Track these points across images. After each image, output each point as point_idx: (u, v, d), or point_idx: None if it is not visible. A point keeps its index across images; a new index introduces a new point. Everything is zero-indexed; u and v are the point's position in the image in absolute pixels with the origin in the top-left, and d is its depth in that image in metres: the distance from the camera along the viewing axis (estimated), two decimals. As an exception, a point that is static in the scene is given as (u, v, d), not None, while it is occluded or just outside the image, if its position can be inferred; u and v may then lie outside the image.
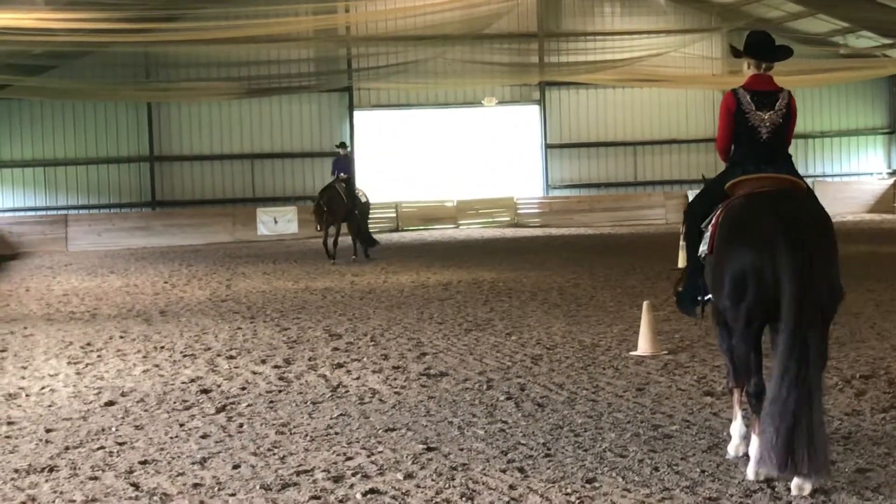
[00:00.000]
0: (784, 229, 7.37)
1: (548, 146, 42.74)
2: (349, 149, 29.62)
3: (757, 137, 8.16)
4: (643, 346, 12.84)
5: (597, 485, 7.57)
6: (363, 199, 27.89)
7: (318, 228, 27.21)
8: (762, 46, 8.37)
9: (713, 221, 7.99)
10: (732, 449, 8.17)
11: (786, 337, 7.20)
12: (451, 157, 41.50)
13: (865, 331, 13.99)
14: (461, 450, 8.63)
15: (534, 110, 42.68)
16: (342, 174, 27.38)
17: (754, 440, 7.64)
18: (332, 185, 27.26)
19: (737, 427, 8.19)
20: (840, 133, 45.65)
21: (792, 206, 7.59)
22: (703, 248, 8.13)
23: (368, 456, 8.53)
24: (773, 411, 7.11)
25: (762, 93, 8.28)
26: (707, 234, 8.05)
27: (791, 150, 8.37)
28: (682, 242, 23.00)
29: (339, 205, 26.67)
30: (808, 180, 44.14)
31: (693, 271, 8.49)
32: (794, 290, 7.22)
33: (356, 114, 41.15)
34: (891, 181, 45.19)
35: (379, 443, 8.94)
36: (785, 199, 7.67)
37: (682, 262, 22.80)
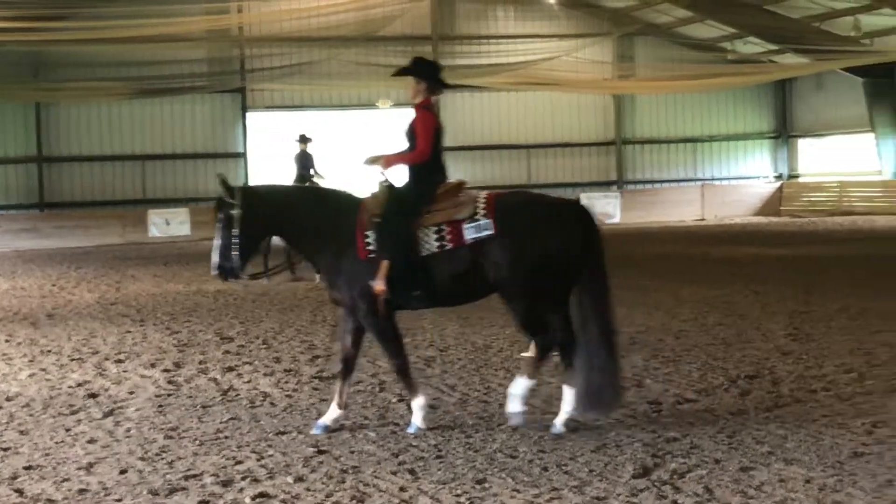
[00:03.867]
0: (585, 216, 9.31)
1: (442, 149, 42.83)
2: (311, 141, 25.16)
3: (442, 150, 9.72)
4: (534, 347, 12.89)
5: (487, 485, 7.61)
6: None
7: None
8: (441, 75, 9.82)
9: (490, 217, 9.07)
10: (332, 421, 9.43)
11: (600, 299, 9.12)
12: (345, 159, 41.33)
13: (751, 332, 14.24)
14: (352, 452, 8.62)
15: (428, 113, 42.74)
16: (312, 171, 24.19)
17: (568, 394, 9.19)
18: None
19: (333, 411, 9.49)
20: (728, 137, 46.49)
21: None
22: (485, 232, 9.06)
23: (258, 460, 8.48)
24: (597, 362, 8.98)
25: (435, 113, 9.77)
26: (482, 223, 9.06)
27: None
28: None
29: None
30: (698, 184, 44.69)
31: (406, 270, 9.17)
32: (602, 261, 9.20)
33: (249, 115, 40.90)
34: (777, 184, 46.16)
35: (269, 446, 8.89)
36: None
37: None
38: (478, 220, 9.12)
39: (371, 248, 9.26)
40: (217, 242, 9.49)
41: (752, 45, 43.51)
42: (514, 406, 9.32)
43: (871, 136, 42.64)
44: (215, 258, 9.49)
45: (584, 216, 9.35)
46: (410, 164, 9.60)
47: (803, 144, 47.62)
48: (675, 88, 43.56)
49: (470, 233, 9.13)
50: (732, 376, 11.28)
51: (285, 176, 24.84)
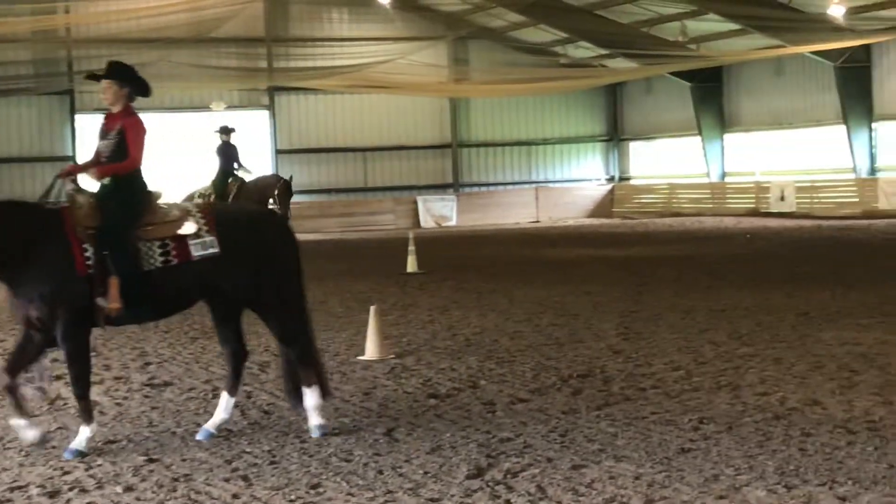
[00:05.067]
0: (285, 225, 10.09)
1: (278, 151, 42.60)
2: (234, 131, 24.65)
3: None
4: (371, 350, 12.92)
5: (321, 490, 7.57)
6: None
7: None
8: (140, 78, 9.57)
9: (213, 234, 9.09)
10: (38, 436, 8.95)
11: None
12: (178, 162, 40.75)
13: (583, 331, 14.47)
14: (184, 460, 8.48)
15: (263, 115, 42.47)
16: (236, 164, 23.35)
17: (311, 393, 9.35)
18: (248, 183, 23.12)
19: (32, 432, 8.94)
20: (561, 140, 47.22)
21: None
22: (210, 250, 9.08)
23: (87, 470, 8.28)
24: (307, 365, 9.38)
25: None
26: (207, 240, 9.07)
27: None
28: (410, 248, 23.31)
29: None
30: (532, 186, 45.25)
31: (133, 285, 8.89)
32: (299, 270, 9.59)
33: (78, 118, 39.96)
34: (609, 187, 47.08)
35: (98, 456, 8.69)
36: None
37: (411, 267, 23.12)
38: (203, 237, 9.11)
39: (91, 262, 8.78)
40: None
41: (583, 50, 44.32)
42: (315, 420, 9.27)
43: (699, 139, 43.85)
44: None
45: (284, 226, 10.12)
46: (123, 173, 9.23)
47: (634, 147, 48.68)
48: (509, 92, 44.08)
49: (196, 249, 9.10)
50: (565, 375, 11.44)
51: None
